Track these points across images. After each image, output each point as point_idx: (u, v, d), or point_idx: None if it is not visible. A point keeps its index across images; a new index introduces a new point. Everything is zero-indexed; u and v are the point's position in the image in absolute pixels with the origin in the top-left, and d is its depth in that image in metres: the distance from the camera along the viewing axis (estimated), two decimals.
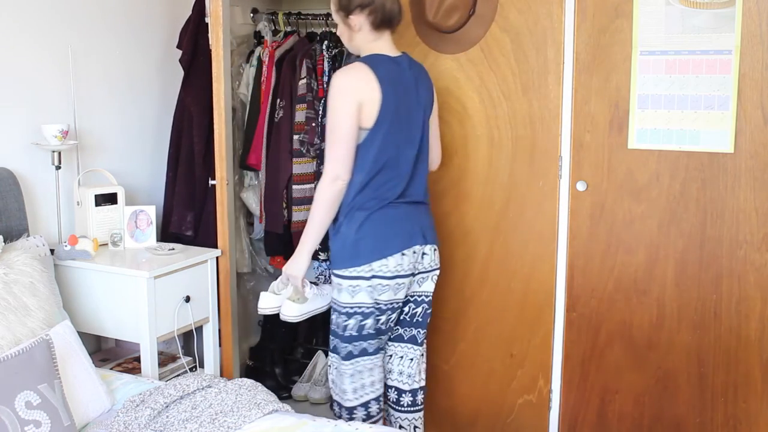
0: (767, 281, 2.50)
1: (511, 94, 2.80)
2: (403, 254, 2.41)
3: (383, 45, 2.45)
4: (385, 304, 2.43)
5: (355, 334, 2.44)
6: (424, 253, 2.50)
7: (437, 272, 2.58)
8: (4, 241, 2.39)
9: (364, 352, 2.47)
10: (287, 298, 2.52)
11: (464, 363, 3.01)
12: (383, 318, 2.45)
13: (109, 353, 2.96)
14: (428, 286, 2.56)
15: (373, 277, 2.38)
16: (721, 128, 2.49)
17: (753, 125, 2.46)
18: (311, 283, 2.56)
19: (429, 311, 2.61)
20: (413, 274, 2.49)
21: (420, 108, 2.49)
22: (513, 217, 2.85)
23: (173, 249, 2.78)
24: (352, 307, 2.42)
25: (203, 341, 2.89)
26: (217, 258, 2.84)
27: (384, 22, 2.41)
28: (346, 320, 2.43)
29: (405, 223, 2.45)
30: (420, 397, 2.64)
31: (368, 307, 2.42)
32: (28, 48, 2.67)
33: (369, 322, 2.43)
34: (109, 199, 2.80)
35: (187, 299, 2.69)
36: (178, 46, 3.16)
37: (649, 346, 2.67)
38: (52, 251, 2.60)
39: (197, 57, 3.09)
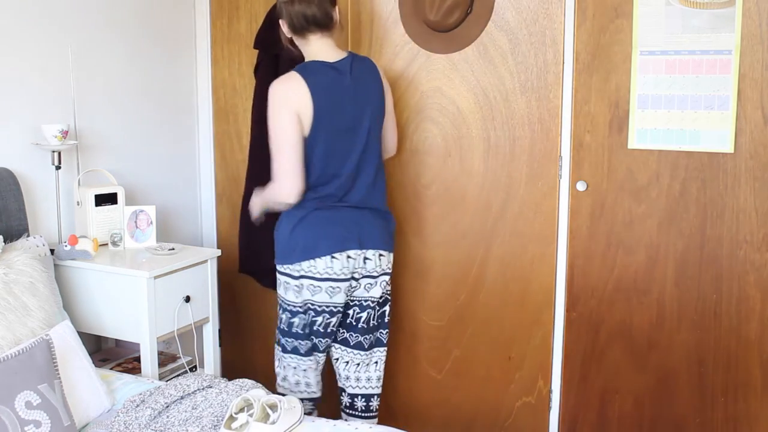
0: (767, 281, 2.50)
1: (509, 94, 2.79)
2: (333, 257, 2.41)
3: (317, 50, 2.43)
4: (320, 306, 2.46)
5: (285, 329, 2.52)
6: (366, 258, 2.48)
7: (385, 278, 2.56)
8: (4, 241, 2.39)
9: (295, 351, 2.54)
10: (255, 421, 2.05)
11: (459, 370, 2.99)
12: (319, 320, 2.48)
13: (109, 353, 2.96)
14: (375, 291, 2.54)
15: (302, 277, 2.43)
16: (721, 128, 2.49)
17: (753, 125, 2.46)
18: (276, 394, 2.30)
19: (381, 317, 2.59)
20: (354, 279, 2.48)
21: (363, 112, 2.45)
22: (511, 218, 2.85)
23: (173, 249, 2.78)
24: (284, 302, 2.52)
25: (203, 341, 2.89)
26: (217, 258, 2.84)
27: (301, 27, 2.40)
28: (281, 313, 2.54)
29: (337, 228, 2.44)
30: (374, 403, 2.65)
31: (295, 306, 2.46)
32: (28, 48, 2.67)
33: (296, 320, 2.48)
34: (109, 199, 2.81)
35: (187, 299, 2.69)
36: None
37: (650, 346, 2.68)
38: (52, 251, 2.60)
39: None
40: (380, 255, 2.51)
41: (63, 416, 1.93)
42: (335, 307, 2.48)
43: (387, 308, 2.63)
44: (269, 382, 2.98)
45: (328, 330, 2.52)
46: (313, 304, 2.46)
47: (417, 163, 2.96)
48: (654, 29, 2.53)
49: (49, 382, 1.94)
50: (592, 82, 2.65)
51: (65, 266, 2.64)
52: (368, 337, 2.59)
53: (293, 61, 3.07)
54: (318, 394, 2.65)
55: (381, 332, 2.63)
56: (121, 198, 2.84)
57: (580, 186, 2.70)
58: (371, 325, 2.57)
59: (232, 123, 3.39)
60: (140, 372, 2.63)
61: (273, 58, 3.12)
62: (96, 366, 2.37)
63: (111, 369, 2.72)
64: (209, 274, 2.81)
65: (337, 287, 2.45)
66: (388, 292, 2.62)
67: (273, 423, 2.05)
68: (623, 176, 2.65)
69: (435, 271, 2.99)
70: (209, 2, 3.36)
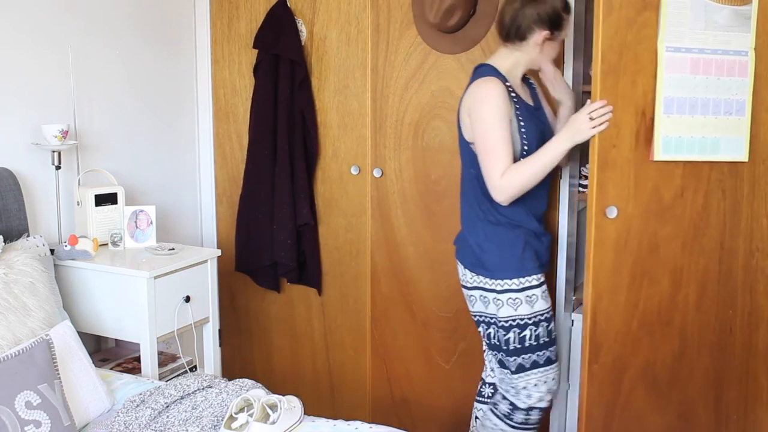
0: None
1: None
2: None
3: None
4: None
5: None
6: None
7: (465, 291, 2.52)
8: (4, 241, 2.39)
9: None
10: (254, 421, 2.05)
11: (465, 362, 3.02)
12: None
13: (109, 353, 2.96)
14: (470, 305, 2.54)
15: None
16: (737, 135, 2.31)
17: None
18: (274, 394, 2.24)
19: (494, 335, 2.47)
20: (462, 285, 2.54)
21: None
22: None
23: (173, 249, 2.78)
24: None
25: (203, 341, 2.89)
26: (217, 258, 2.84)
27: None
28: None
29: None
30: (534, 416, 2.50)
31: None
32: (29, 48, 2.67)
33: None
34: (109, 199, 2.80)
35: (187, 299, 2.69)
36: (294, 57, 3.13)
37: (671, 381, 2.43)
38: (52, 251, 2.60)
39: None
40: (459, 264, 2.54)
41: (63, 416, 1.92)
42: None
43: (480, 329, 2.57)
44: (269, 382, 3.00)
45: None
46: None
47: (428, 160, 2.99)
48: (679, 23, 2.25)
49: (49, 382, 1.94)
50: (618, 86, 2.24)
51: (65, 266, 2.64)
52: (493, 354, 2.57)
53: (293, 61, 3.09)
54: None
55: (497, 351, 2.53)
56: (121, 198, 2.83)
57: (611, 213, 2.29)
58: (490, 341, 2.53)
59: (232, 123, 3.39)
60: (140, 372, 2.63)
61: (273, 57, 3.13)
62: (96, 366, 2.37)
63: (111, 369, 2.72)
64: (209, 274, 2.80)
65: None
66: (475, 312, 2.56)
67: (273, 423, 2.05)
68: (649, 195, 2.30)
69: (444, 264, 3.01)
70: (209, 2, 3.36)
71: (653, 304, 2.36)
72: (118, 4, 3.01)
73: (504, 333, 2.42)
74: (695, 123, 2.28)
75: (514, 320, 2.39)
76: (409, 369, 3.15)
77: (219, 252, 2.86)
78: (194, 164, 3.49)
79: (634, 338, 2.37)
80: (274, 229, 3.15)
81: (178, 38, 3.32)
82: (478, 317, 2.51)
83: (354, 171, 3.12)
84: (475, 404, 2.68)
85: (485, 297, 2.43)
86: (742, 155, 2.32)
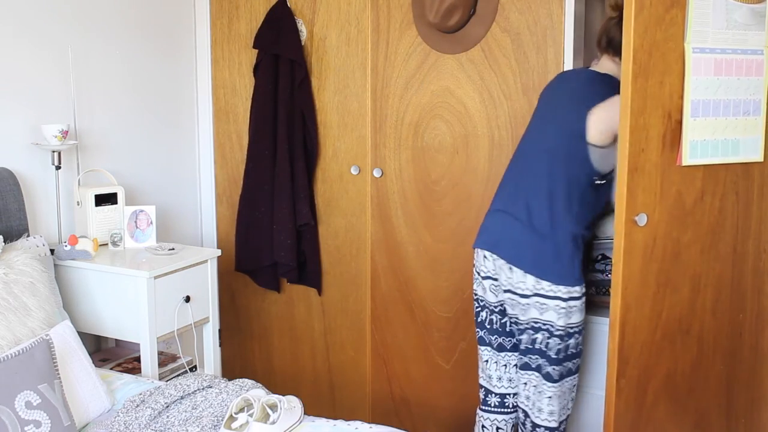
0: None
1: (512, 93, 2.80)
2: (476, 251, 2.51)
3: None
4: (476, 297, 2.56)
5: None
6: (500, 267, 2.42)
7: (521, 299, 2.38)
8: (4, 241, 2.39)
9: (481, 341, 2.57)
10: (254, 421, 2.05)
11: (465, 362, 3.02)
12: (483, 314, 2.56)
13: (109, 353, 2.96)
14: (522, 313, 2.42)
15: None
16: (754, 134, 2.29)
17: None
18: (274, 394, 2.23)
19: (541, 341, 2.39)
20: (502, 291, 2.44)
21: (548, 122, 2.44)
22: None
23: (173, 249, 2.78)
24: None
25: (203, 341, 2.89)
26: (217, 258, 2.84)
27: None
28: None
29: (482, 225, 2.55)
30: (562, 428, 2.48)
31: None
32: (28, 48, 2.67)
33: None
34: (109, 199, 2.80)
35: (187, 299, 2.69)
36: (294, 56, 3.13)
37: (689, 390, 2.39)
38: (52, 251, 2.60)
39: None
40: (510, 268, 2.42)
41: (63, 416, 1.93)
42: (488, 303, 2.55)
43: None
44: (269, 382, 3.00)
45: (495, 328, 2.58)
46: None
47: (428, 160, 2.99)
48: (703, 23, 2.20)
49: (49, 382, 1.94)
50: (648, 88, 2.14)
51: (65, 266, 2.64)
52: (523, 358, 2.50)
53: (293, 61, 3.10)
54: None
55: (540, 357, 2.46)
56: (121, 198, 2.84)
57: (641, 220, 2.19)
58: (528, 347, 2.46)
59: (232, 123, 3.39)
60: (140, 372, 2.63)
61: (273, 57, 3.13)
62: (96, 366, 2.37)
63: (111, 369, 2.72)
64: (209, 274, 2.81)
65: (490, 284, 2.51)
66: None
67: (273, 423, 2.05)
68: (673, 200, 2.23)
69: (444, 264, 3.01)
70: (209, 2, 3.36)
71: (675, 312, 2.30)
72: (118, 5, 3.01)
73: (558, 341, 2.37)
74: (718, 125, 2.24)
75: (566, 328, 2.38)
76: (409, 369, 3.15)
77: (219, 252, 2.86)
78: (194, 164, 3.49)
79: (658, 349, 2.30)
80: (274, 229, 3.15)
81: (178, 38, 3.32)
82: (525, 325, 2.42)
83: (354, 171, 3.12)
84: (480, 413, 2.63)
85: (544, 304, 2.36)
86: (758, 155, 2.30)
